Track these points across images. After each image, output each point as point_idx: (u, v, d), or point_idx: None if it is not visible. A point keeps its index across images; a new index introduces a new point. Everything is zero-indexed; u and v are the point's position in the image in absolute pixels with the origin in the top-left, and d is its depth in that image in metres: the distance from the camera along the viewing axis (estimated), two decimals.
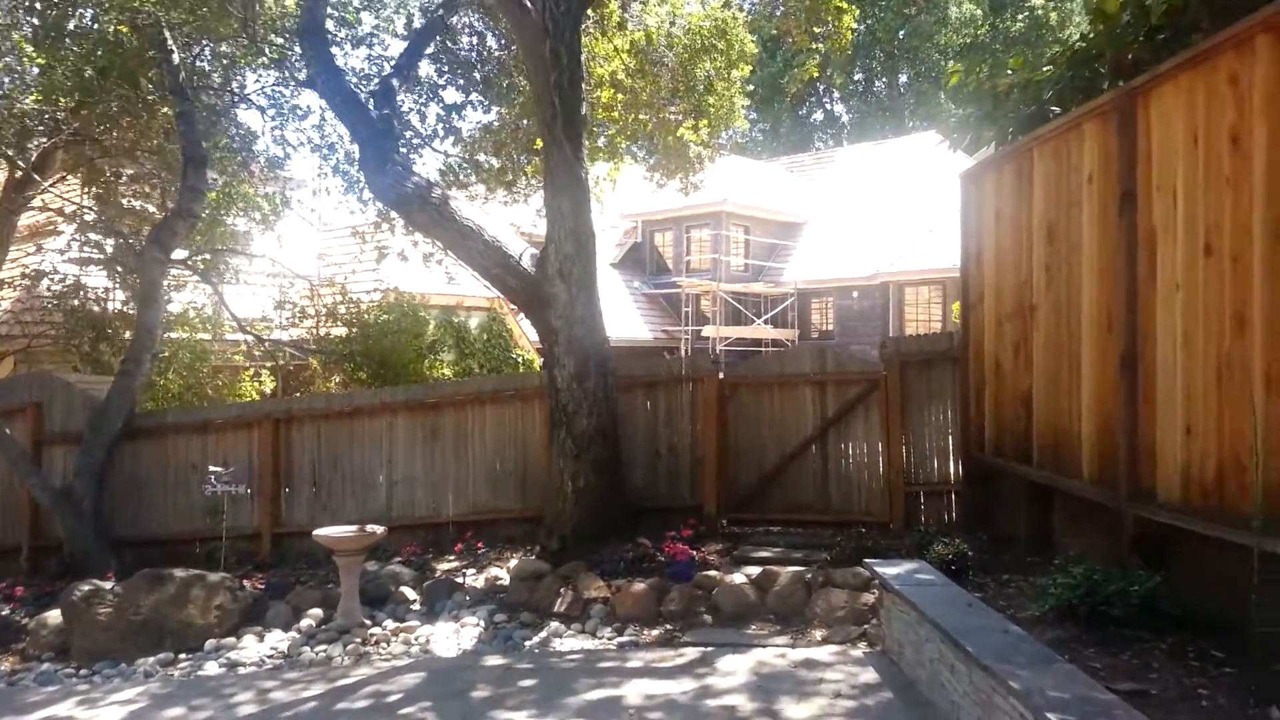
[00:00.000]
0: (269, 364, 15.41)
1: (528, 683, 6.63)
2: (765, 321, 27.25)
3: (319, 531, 8.42)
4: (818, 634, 7.35)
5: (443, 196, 9.28)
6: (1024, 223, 7.85)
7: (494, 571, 9.30)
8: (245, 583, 9.75)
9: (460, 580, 9.17)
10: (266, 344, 14.31)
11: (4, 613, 9.33)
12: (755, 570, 8.36)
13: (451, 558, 10.13)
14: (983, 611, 5.71)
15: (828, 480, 9.91)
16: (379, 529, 8.56)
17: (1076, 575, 5.61)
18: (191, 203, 11.69)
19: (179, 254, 13.79)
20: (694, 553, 9.02)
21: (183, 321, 15.17)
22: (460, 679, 6.81)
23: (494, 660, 7.26)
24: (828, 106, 48.75)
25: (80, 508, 11.15)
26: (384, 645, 8.04)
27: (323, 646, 8.00)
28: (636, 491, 10.36)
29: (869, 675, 6.38)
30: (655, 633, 7.71)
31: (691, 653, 7.07)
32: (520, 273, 9.40)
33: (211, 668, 7.74)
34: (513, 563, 9.41)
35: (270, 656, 7.95)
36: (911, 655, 6.15)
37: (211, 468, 11.10)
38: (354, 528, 8.68)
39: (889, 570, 6.72)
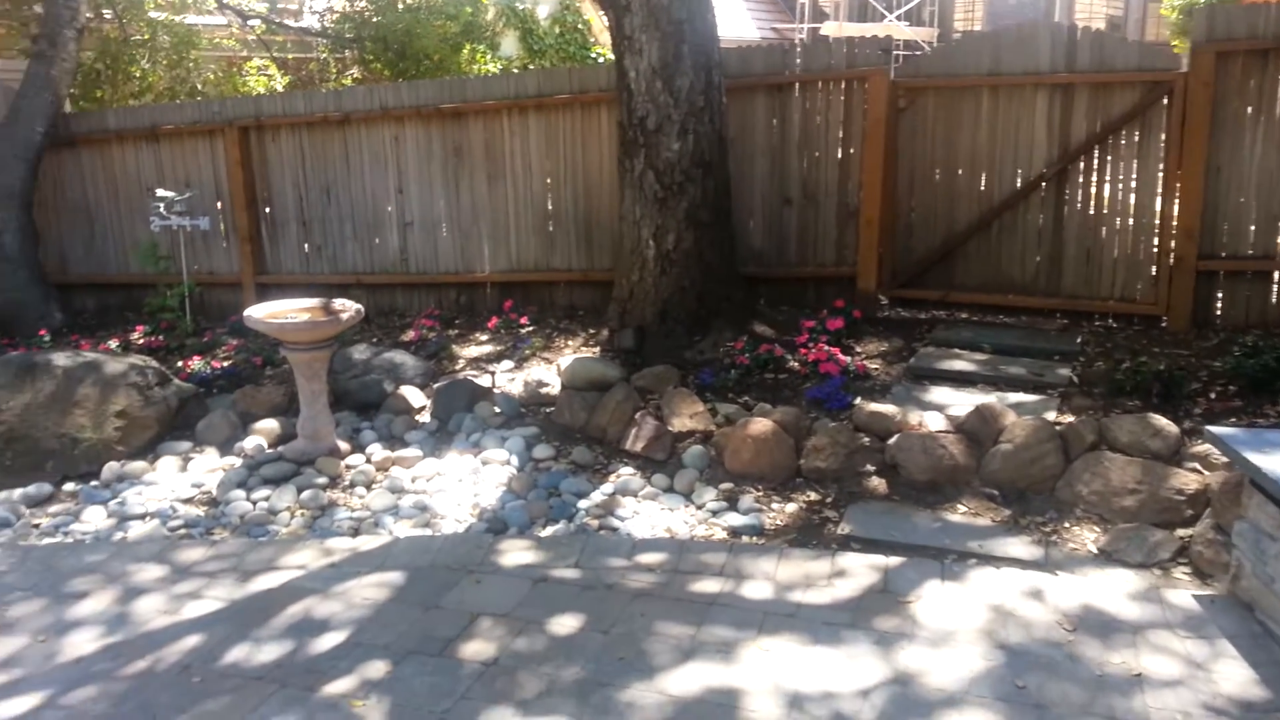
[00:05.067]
0: (268, 55, 11.89)
1: (566, 625, 3.65)
2: (898, 18, 22.23)
3: (252, 313, 5.31)
4: (1087, 538, 4.15)
5: None
6: None
7: (539, 373, 6.19)
8: (196, 361, 6.92)
9: (489, 383, 6.12)
10: (258, 25, 10.74)
11: None
12: (958, 401, 5.10)
13: (483, 337, 7.06)
14: None
15: (1061, 246, 6.34)
16: (350, 309, 5.43)
17: None
18: None
19: None
20: (846, 358, 5.75)
21: None
22: (453, 601, 3.87)
23: (519, 553, 4.28)
24: None
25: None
26: (359, 493, 5.14)
27: (266, 492, 5.14)
28: (752, 254, 6.98)
29: (1233, 669, 3.21)
30: (791, 508, 4.59)
31: (861, 569, 3.97)
32: None
33: (93, 518, 4.97)
34: (567, 356, 6.29)
35: (185, 501, 5.14)
36: None
37: (160, 192, 8.02)
38: (309, 306, 5.55)
39: None
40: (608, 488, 4.93)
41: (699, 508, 4.69)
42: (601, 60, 13.62)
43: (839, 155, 6.76)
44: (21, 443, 5.43)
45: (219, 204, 8.39)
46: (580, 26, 17.51)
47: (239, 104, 8.29)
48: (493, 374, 6.25)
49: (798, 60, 6.82)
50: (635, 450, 5.18)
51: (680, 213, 6.07)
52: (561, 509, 4.78)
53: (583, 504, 4.80)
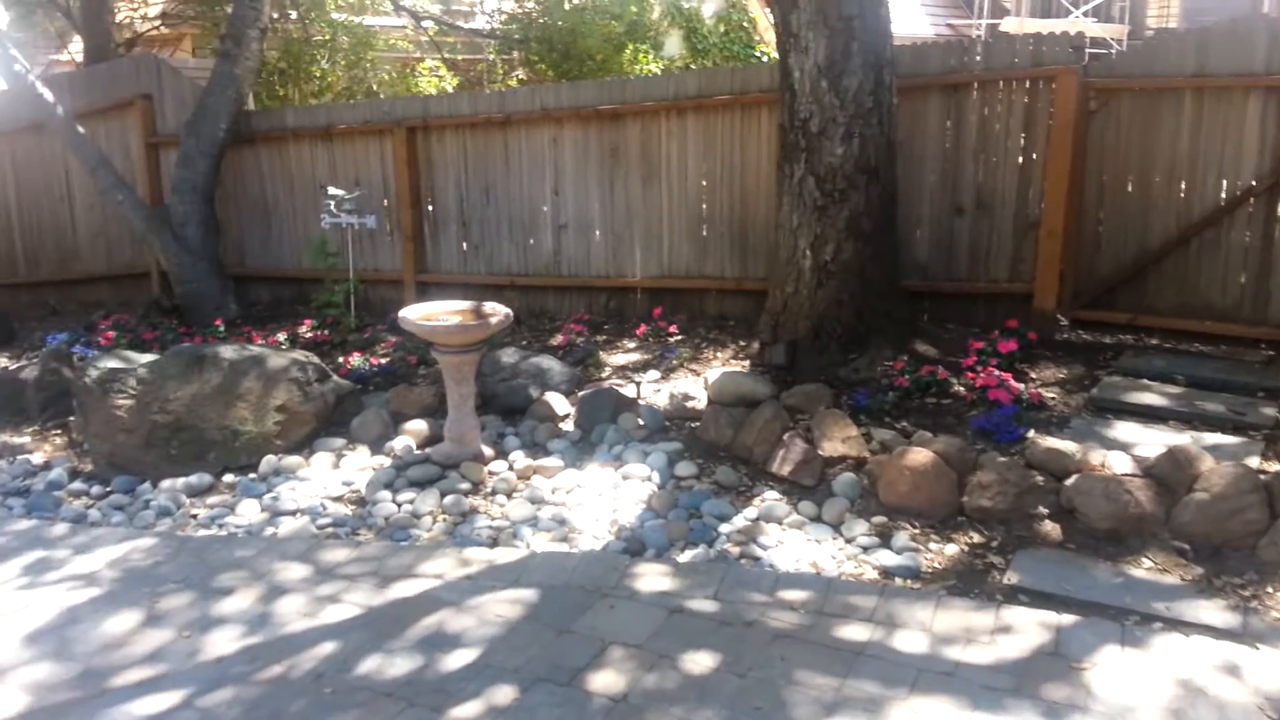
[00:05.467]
0: (439, 56, 12.19)
1: (701, 663, 3.45)
2: (1085, 14, 20.89)
3: (407, 314, 5.35)
4: None
5: None
6: None
7: (685, 385, 6.02)
8: (356, 357, 7.09)
9: (633, 393, 5.99)
10: (431, 27, 11.00)
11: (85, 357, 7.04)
12: (1146, 440, 4.61)
13: (631, 345, 6.94)
14: None
15: (1269, 268, 5.68)
16: (499, 314, 5.39)
17: None
18: None
19: None
20: (1019, 385, 5.31)
21: None
22: (585, 626, 3.74)
23: (655, 578, 4.12)
24: None
25: (182, 233, 8.77)
26: (499, 501, 5.10)
27: (411, 494, 5.16)
28: (916, 267, 6.59)
29: None
30: (950, 550, 4.25)
31: (1029, 626, 3.60)
32: None
33: (247, 511, 5.12)
34: (715, 369, 6.09)
35: (335, 499, 5.23)
36: None
37: (330, 190, 8.27)
38: (460, 309, 5.55)
39: None
40: (751, 512, 4.71)
41: (848, 541, 4.40)
42: (766, 59, 13.33)
43: (1019, 161, 6.28)
44: (187, 432, 5.66)
45: (385, 202, 8.60)
46: (745, 25, 17.25)
47: (407, 104, 8.47)
48: (638, 384, 6.11)
49: (977, 58, 6.38)
50: (782, 473, 4.93)
51: (840, 222, 5.76)
52: (702, 532, 4.58)
53: (724, 528, 4.59)
